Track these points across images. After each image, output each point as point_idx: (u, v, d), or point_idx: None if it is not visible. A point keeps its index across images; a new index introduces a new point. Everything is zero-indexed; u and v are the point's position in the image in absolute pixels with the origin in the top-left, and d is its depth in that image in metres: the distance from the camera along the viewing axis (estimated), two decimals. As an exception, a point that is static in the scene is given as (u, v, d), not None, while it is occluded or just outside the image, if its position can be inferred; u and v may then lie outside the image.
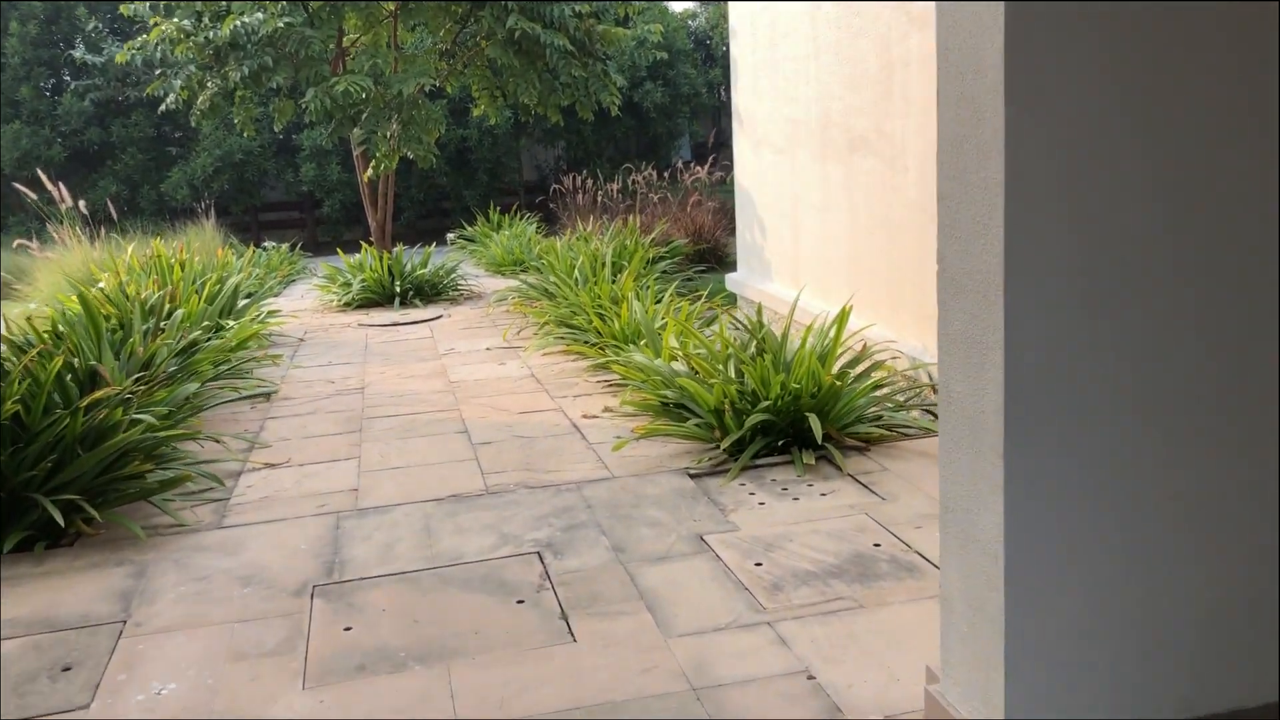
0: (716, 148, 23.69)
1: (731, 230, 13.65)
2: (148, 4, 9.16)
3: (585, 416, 5.46)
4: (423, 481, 4.52)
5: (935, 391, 5.11)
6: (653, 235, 9.80)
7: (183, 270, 7.37)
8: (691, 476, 4.35)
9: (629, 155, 19.37)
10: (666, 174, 14.97)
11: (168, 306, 6.01)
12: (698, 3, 26.46)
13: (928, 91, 4.95)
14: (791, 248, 6.81)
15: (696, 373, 5.13)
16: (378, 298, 10.39)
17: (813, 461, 4.36)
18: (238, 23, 8.72)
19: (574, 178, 15.21)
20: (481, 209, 17.52)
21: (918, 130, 5.07)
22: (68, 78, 18.32)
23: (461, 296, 10.68)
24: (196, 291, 7.36)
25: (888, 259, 5.48)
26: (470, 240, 15.33)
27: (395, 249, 10.90)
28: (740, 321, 6.22)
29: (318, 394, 6.48)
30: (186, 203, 17.32)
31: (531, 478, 4.48)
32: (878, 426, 4.70)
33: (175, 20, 9.03)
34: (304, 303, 11.01)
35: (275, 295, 12.13)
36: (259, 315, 8.60)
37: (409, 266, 10.74)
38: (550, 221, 16.57)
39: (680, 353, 5.47)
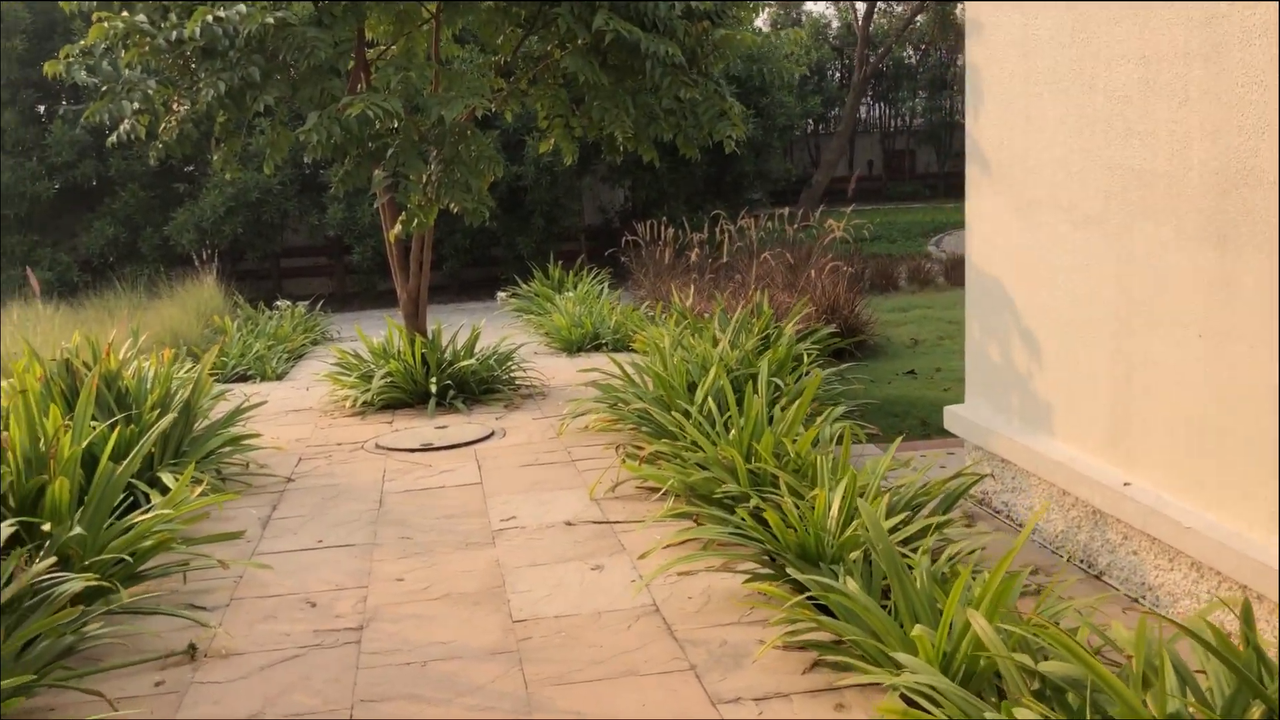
0: (802, 189, 20.79)
1: (863, 292, 10.68)
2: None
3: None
4: None
5: None
6: (793, 320, 6.88)
7: (67, 409, 4.53)
8: None
9: (706, 196, 16.46)
10: (767, 221, 12.13)
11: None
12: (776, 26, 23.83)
13: None
14: (1111, 388, 3.89)
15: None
16: (406, 396, 7.59)
17: None
18: (209, 17, 5.99)
19: (649, 225, 12.44)
20: (537, 259, 14.72)
21: None
22: (66, 102, 15.84)
23: (519, 395, 7.85)
24: (110, 427, 4.55)
25: None
26: (525, 299, 12.53)
27: (431, 329, 8.10)
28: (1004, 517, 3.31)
29: (280, 644, 3.64)
30: (194, 248, 14.70)
31: None
32: None
33: (126, 15, 6.32)
34: (311, 396, 8.23)
35: (277, 379, 9.41)
36: (225, 445, 5.80)
37: (448, 352, 7.94)
38: (621, 277, 13.73)
39: (997, 652, 2.59)
